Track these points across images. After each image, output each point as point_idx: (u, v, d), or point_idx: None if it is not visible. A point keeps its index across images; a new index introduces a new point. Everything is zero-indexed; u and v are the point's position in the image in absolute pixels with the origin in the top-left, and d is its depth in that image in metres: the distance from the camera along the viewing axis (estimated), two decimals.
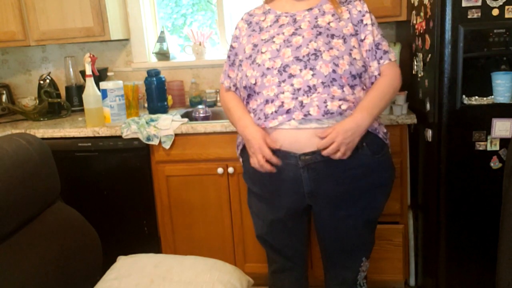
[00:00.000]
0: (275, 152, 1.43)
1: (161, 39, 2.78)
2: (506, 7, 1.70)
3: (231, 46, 1.63)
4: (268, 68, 1.44)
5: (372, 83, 1.51)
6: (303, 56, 1.41)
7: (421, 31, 1.98)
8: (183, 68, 2.81)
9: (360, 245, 1.62)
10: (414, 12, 2.09)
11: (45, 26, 2.52)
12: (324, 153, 1.38)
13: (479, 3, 1.71)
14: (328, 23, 1.48)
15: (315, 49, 1.42)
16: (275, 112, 1.41)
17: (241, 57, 1.55)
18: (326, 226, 1.57)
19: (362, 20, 1.51)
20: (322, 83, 1.39)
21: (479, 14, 1.72)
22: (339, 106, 1.39)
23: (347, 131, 1.36)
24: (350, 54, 1.43)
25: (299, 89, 1.40)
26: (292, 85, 1.40)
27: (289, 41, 1.45)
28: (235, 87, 1.61)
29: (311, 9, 1.52)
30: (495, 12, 1.71)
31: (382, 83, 1.49)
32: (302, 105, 1.39)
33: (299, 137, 1.41)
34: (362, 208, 1.51)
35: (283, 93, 1.40)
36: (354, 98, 1.43)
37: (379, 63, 1.51)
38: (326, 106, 1.38)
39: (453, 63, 1.77)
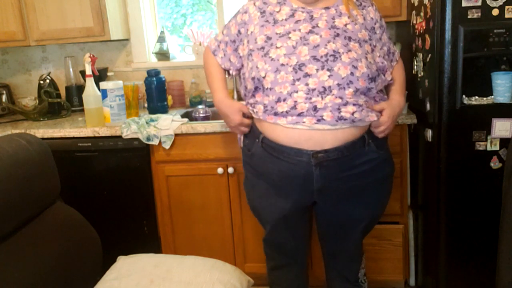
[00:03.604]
0: (288, 149, 1.44)
1: (161, 39, 2.78)
2: (506, 7, 1.70)
3: (239, 31, 1.59)
4: (282, 64, 1.41)
5: (384, 85, 1.58)
6: (321, 57, 1.40)
7: (421, 31, 1.98)
8: (183, 68, 2.81)
9: (360, 243, 1.63)
10: (414, 12, 2.09)
11: (45, 26, 2.52)
12: (377, 132, 1.51)
13: (479, 3, 1.71)
14: (345, 25, 1.47)
15: (333, 50, 1.40)
16: (286, 112, 1.40)
17: (252, 46, 1.51)
18: (332, 221, 1.58)
19: (373, 28, 1.53)
20: (338, 84, 1.38)
21: (479, 14, 1.72)
22: (352, 113, 1.39)
23: (395, 116, 1.53)
24: (366, 58, 1.43)
25: (313, 90, 1.38)
26: (307, 84, 1.38)
27: (306, 39, 1.43)
28: (237, 71, 1.64)
29: (328, 8, 1.51)
30: (495, 12, 1.71)
31: (401, 72, 1.68)
32: (315, 109, 1.38)
33: (314, 135, 1.41)
34: (367, 204, 1.53)
35: (296, 92, 1.39)
36: (367, 100, 1.44)
37: (391, 67, 1.64)
38: (339, 112, 1.38)
39: (453, 63, 1.77)
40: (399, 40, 2.42)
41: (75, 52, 2.87)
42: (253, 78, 1.48)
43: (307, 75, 1.39)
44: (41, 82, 2.67)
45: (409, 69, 2.22)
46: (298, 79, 1.39)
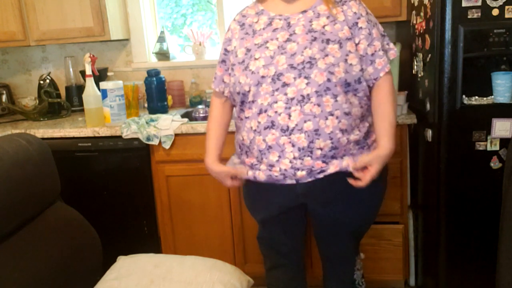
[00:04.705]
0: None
1: (161, 39, 2.78)
2: (506, 7, 1.70)
3: (225, 50, 1.57)
4: (263, 76, 1.41)
5: (369, 87, 1.47)
6: (298, 64, 1.39)
7: (421, 31, 1.98)
8: (183, 68, 2.81)
9: (352, 246, 1.63)
10: (414, 12, 2.09)
11: (45, 26, 2.52)
12: (355, 182, 1.43)
13: (479, 3, 1.71)
14: (323, 27, 1.43)
15: (310, 57, 1.38)
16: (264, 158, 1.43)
17: (233, 60, 1.51)
18: (322, 223, 1.58)
19: (357, 23, 1.45)
20: (316, 92, 1.37)
21: (479, 14, 1.72)
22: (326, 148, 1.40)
23: (382, 164, 1.44)
24: (346, 61, 1.40)
25: (292, 99, 1.38)
26: (285, 94, 1.38)
27: (283, 47, 1.42)
28: (230, 93, 1.59)
29: (305, 11, 1.46)
30: (495, 12, 1.71)
31: (388, 99, 1.49)
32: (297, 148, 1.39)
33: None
34: (356, 207, 1.52)
35: (276, 102, 1.39)
36: (347, 106, 1.41)
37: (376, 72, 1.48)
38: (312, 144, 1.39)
39: (453, 63, 1.77)
40: (399, 40, 2.42)
41: (75, 52, 2.87)
42: (238, 93, 1.49)
43: (285, 84, 1.39)
44: (41, 82, 2.67)
45: (409, 69, 2.22)
46: (277, 89, 1.39)
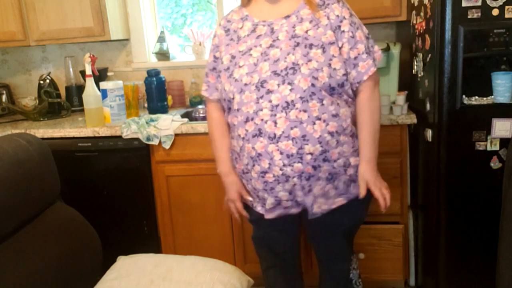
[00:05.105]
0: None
1: (161, 39, 2.78)
2: (506, 7, 1.70)
3: (214, 57, 1.56)
4: (246, 84, 1.41)
5: (353, 91, 1.48)
6: (281, 71, 1.38)
7: (421, 31, 1.98)
8: (183, 68, 2.81)
9: (345, 245, 1.63)
10: (414, 12, 2.09)
11: (45, 26, 2.52)
12: (383, 207, 1.52)
13: (479, 3, 1.71)
14: (306, 32, 1.42)
15: (293, 63, 1.38)
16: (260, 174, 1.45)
17: (220, 67, 1.52)
18: (314, 224, 1.59)
19: (339, 26, 1.44)
20: (301, 98, 1.37)
21: (479, 14, 1.72)
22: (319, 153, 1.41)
23: (374, 173, 1.50)
24: (329, 65, 1.39)
25: (277, 105, 1.38)
26: (270, 101, 1.38)
27: (267, 54, 1.41)
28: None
29: (288, 16, 1.46)
30: (495, 12, 1.71)
31: (366, 111, 1.49)
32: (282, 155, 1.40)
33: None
34: (347, 208, 1.52)
35: (261, 110, 1.39)
36: (334, 108, 1.41)
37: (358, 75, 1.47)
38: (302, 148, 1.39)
39: (453, 63, 1.77)
40: (399, 40, 2.42)
41: (75, 52, 2.87)
42: (224, 100, 1.50)
43: (269, 91, 1.39)
44: (41, 82, 2.67)
45: (409, 69, 2.22)
46: (262, 97, 1.39)
